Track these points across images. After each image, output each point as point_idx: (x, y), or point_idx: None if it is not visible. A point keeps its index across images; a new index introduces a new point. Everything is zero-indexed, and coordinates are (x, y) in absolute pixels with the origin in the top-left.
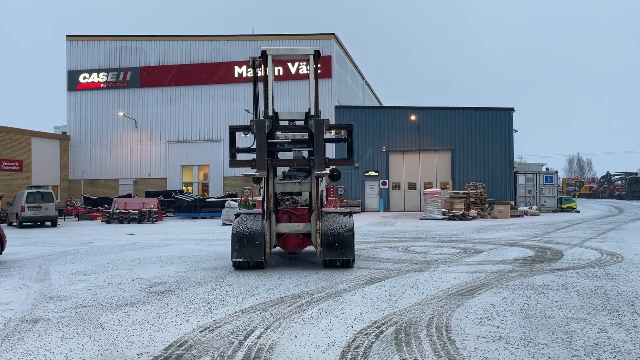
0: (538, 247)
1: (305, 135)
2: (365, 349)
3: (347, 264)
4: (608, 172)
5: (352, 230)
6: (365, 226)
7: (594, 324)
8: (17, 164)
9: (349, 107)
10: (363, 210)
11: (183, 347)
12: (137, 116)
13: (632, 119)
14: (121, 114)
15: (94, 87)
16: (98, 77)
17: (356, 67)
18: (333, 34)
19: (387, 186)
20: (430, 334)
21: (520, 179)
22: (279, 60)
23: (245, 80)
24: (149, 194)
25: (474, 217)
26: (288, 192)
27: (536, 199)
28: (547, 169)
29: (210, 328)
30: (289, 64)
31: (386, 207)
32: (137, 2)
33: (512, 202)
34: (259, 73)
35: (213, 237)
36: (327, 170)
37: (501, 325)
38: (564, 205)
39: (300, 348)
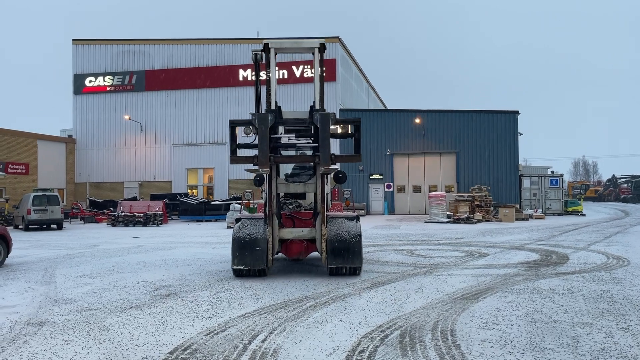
0: (543, 250)
1: (302, 137)
2: (370, 353)
3: (354, 272)
4: (614, 175)
5: (360, 235)
6: (369, 229)
7: (600, 329)
8: (23, 167)
9: (353, 110)
10: (367, 213)
11: (188, 351)
12: (142, 119)
13: (638, 122)
14: (127, 117)
15: (99, 90)
16: (104, 81)
17: (360, 70)
18: (337, 37)
19: (391, 189)
20: (435, 338)
21: (526, 182)
22: (284, 63)
23: (250, 83)
24: (154, 197)
25: (479, 220)
26: (291, 193)
27: (541, 202)
28: (552, 172)
29: (215, 332)
30: (294, 67)
31: (391, 210)
32: (143, 6)
33: (517, 206)
34: (262, 74)
35: (218, 240)
36: (336, 166)
37: (507, 330)
38: (570, 209)
39: (305, 352)
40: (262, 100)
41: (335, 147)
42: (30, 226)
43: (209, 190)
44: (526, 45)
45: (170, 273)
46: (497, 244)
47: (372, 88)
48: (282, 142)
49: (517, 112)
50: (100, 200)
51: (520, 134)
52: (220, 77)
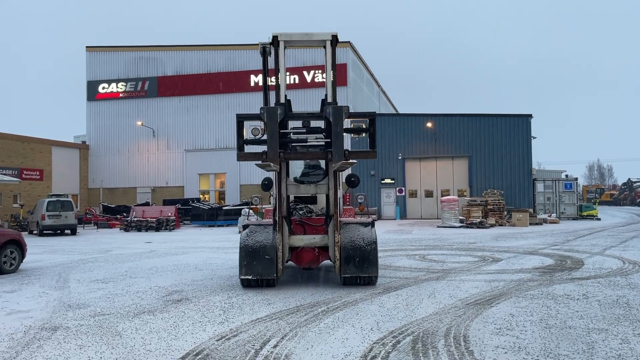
0: (558, 255)
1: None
2: (382, 359)
3: (370, 282)
4: (629, 179)
5: (375, 242)
6: (381, 234)
7: (616, 335)
8: (37, 173)
9: None
10: (379, 218)
11: (200, 356)
12: (154, 125)
13: None
14: (139, 123)
15: (112, 97)
16: (117, 87)
17: (372, 75)
18: (349, 42)
19: (403, 194)
20: (448, 344)
21: (539, 186)
22: (295, 68)
23: (261, 89)
24: (166, 202)
25: (492, 225)
26: (302, 197)
27: (556, 206)
28: (566, 175)
29: (227, 337)
30: (305, 72)
31: (403, 214)
32: (155, 13)
33: (531, 210)
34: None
35: (229, 245)
36: (352, 160)
37: (520, 336)
38: (584, 213)
39: (316, 357)
40: (269, 95)
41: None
42: (44, 231)
43: (221, 195)
44: (541, 48)
45: (182, 278)
46: (510, 249)
47: (384, 92)
48: (293, 131)
49: (530, 116)
50: (113, 206)
51: (534, 138)
52: (231, 82)
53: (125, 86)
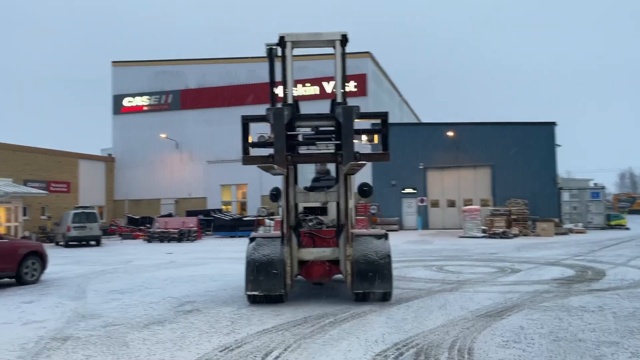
0: (580, 266)
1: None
2: None
3: (384, 298)
4: None
5: (389, 256)
6: (401, 244)
7: (626, 348)
8: (65, 186)
9: None
10: (401, 228)
11: None
12: (178, 137)
13: None
14: (163, 135)
15: (137, 110)
16: (141, 101)
17: (392, 84)
18: (368, 52)
19: (425, 203)
20: (452, 357)
21: (565, 196)
22: (315, 79)
23: (281, 100)
24: (189, 214)
25: (515, 235)
26: (311, 208)
27: (582, 216)
28: (594, 184)
29: (230, 348)
30: (324, 83)
31: (424, 225)
32: (175, 27)
33: (557, 220)
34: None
35: None
36: (362, 162)
37: (527, 349)
38: (613, 223)
39: None
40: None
41: None
42: (70, 243)
43: (243, 205)
44: (568, 52)
45: (196, 289)
46: (531, 260)
47: (405, 102)
48: (301, 133)
49: (554, 124)
50: (137, 217)
51: (559, 146)
52: (252, 94)
53: (150, 99)
